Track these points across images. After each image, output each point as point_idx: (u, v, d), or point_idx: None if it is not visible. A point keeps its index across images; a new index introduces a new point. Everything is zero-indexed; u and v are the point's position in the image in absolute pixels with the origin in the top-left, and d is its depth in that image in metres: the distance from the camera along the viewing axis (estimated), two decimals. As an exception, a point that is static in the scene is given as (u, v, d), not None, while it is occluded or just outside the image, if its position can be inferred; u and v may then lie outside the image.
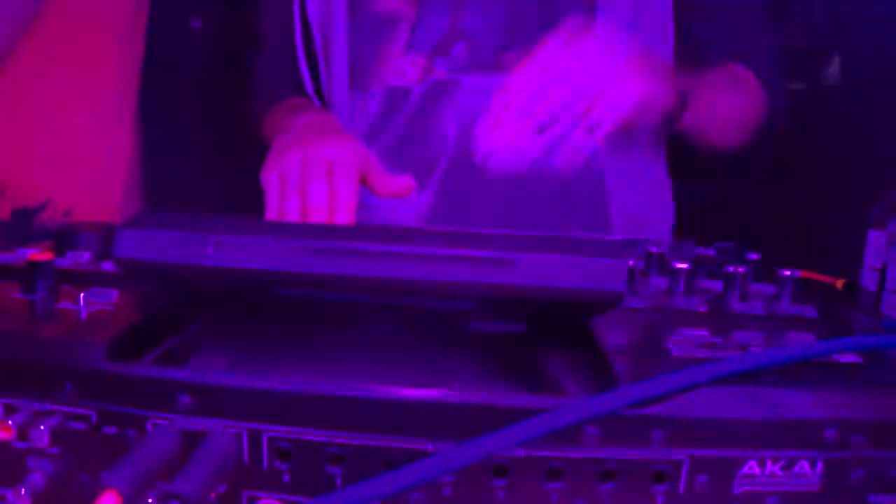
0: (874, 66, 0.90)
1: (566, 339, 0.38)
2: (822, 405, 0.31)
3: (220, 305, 0.40)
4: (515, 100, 0.56)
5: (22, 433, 0.31)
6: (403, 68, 0.75)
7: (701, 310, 0.40)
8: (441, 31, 0.74)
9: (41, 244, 0.46)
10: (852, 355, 0.35)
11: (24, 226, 0.52)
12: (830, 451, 0.31)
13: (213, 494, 0.30)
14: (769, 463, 0.31)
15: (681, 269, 0.42)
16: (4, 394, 0.31)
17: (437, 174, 0.74)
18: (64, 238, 0.46)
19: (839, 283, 0.49)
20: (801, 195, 0.92)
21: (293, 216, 0.57)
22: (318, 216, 0.57)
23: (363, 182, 0.60)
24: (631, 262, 0.43)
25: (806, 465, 0.31)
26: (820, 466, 0.31)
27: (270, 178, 0.60)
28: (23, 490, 0.31)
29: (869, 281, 0.46)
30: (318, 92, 0.79)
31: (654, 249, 0.47)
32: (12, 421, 0.31)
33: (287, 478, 0.31)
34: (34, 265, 0.38)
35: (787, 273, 0.42)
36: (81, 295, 0.37)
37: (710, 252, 0.53)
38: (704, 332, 0.36)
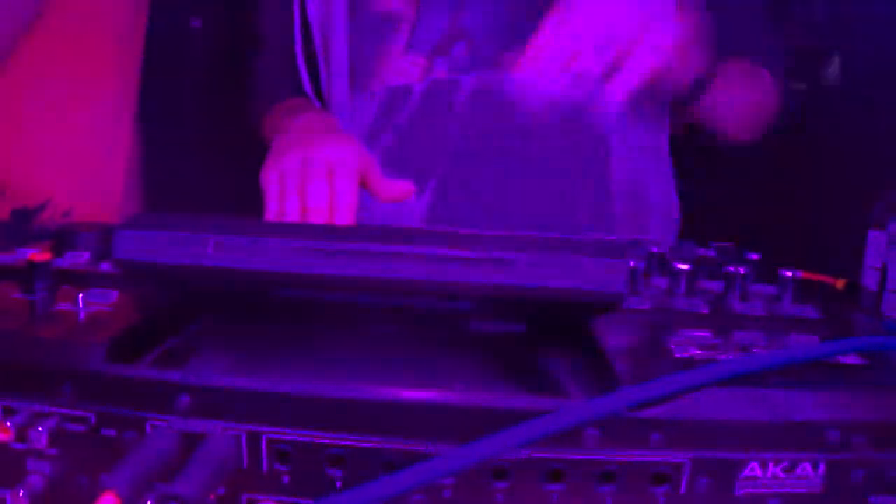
0: (874, 65, 0.90)
1: (567, 340, 0.38)
2: (823, 406, 0.31)
3: (219, 306, 0.40)
4: (550, 41, 0.56)
5: (20, 435, 0.31)
6: (404, 68, 0.75)
7: (702, 311, 0.40)
8: (441, 31, 0.74)
9: (40, 244, 0.46)
10: (854, 356, 0.35)
11: (23, 226, 0.52)
12: (832, 453, 0.31)
13: (212, 496, 0.30)
14: (771, 465, 0.30)
15: (682, 269, 0.42)
16: (3, 395, 0.31)
17: (438, 174, 0.74)
18: (63, 238, 0.46)
19: (839, 284, 0.49)
20: (801, 195, 0.92)
21: (293, 217, 0.57)
22: (317, 217, 0.56)
23: (363, 185, 0.60)
24: (632, 263, 0.43)
25: (808, 466, 0.31)
26: (822, 468, 0.31)
27: (270, 178, 0.60)
28: (21, 492, 0.31)
29: (870, 281, 0.46)
30: (318, 92, 0.79)
31: (654, 250, 0.47)
32: (11, 422, 0.31)
33: (287, 480, 0.30)
34: (33, 265, 0.38)
35: (789, 273, 0.42)
36: (80, 296, 0.37)
37: (710, 253, 0.52)
38: (706, 333, 0.36)
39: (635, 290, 0.42)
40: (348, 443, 0.30)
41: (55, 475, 0.31)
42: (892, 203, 0.46)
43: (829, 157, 0.89)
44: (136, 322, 0.35)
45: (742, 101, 0.72)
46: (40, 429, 0.31)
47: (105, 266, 0.42)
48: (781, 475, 0.31)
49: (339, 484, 0.30)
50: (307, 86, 0.78)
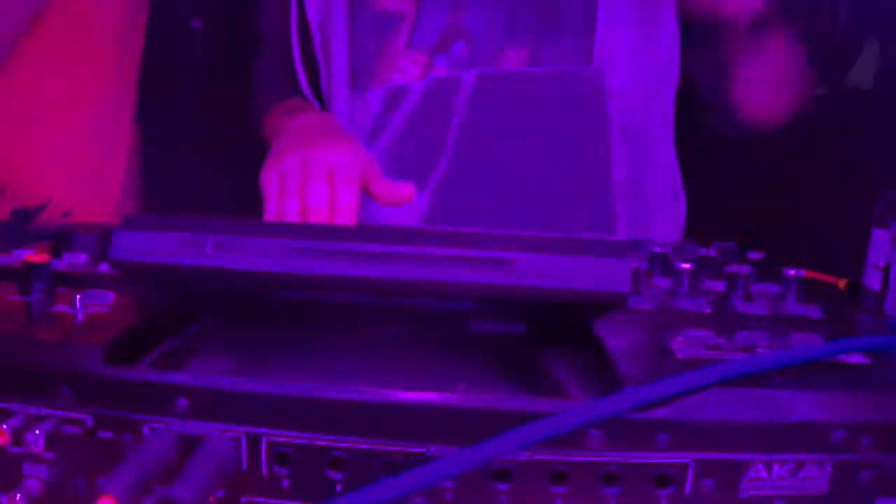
0: (876, 64, 0.90)
1: (569, 341, 0.37)
2: (829, 407, 0.31)
3: (217, 307, 0.40)
4: None
5: (17, 438, 0.30)
6: (403, 66, 0.74)
7: (705, 310, 0.40)
8: (441, 29, 0.73)
9: (39, 245, 0.46)
10: (858, 356, 0.34)
11: (22, 226, 0.51)
12: (838, 454, 0.30)
13: (210, 499, 0.30)
14: (776, 466, 0.30)
15: (684, 269, 0.42)
16: (-1, 398, 0.31)
17: (437, 173, 0.73)
18: (61, 239, 0.46)
19: (841, 283, 0.49)
20: (802, 194, 0.91)
21: (292, 217, 0.57)
22: (317, 218, 0.56)
23: (363, 187, 0.59)
24: (634, 263, 0.42)
25: (813, 467, 0.30)
26: (828, 469, 0.30)
27: (270, 179, 0.59)
28: (18, 496, 0.31)
29: (872, 280, 0.46)
30: (318, 92, 0.79)
31: (657, 250, 0.47)
32: (7, 425, 0.30)
33: (286, 483, 0.30)
34: (30, 267, 0.37)
35: (792, 273, 0.42)
36: (77, 297, 0.37)
37: (712, 252, 0.52)
38: (709, 333, 0.36)
39: (637, 290, 0.42)
40: (349, 445, 0.30)
41: (52, 478, 0.31)
42: (895, 202, 0.45)
43: (832, 155, 0.89)
44: (134, 323, 0.34)
45: (779, 72, 0.70)
46: (37, 431, 0.30)
47: (103, 267, 0.42)
48: (786, 476, 0.30)
49: (339, 487, 0.30)
50: (304, 85, 0.78)
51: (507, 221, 0.72)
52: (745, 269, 0.42)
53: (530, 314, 0.39)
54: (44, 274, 0.38)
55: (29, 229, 0.50)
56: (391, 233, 0.33)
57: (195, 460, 0.28)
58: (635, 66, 0.72)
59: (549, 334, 0.39)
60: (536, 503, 0.30)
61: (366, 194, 0.61)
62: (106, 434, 0.30)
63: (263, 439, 0.30)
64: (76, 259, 0.43)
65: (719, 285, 0.44)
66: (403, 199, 0.61)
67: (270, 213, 0.58)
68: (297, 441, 0.30)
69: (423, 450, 0.29)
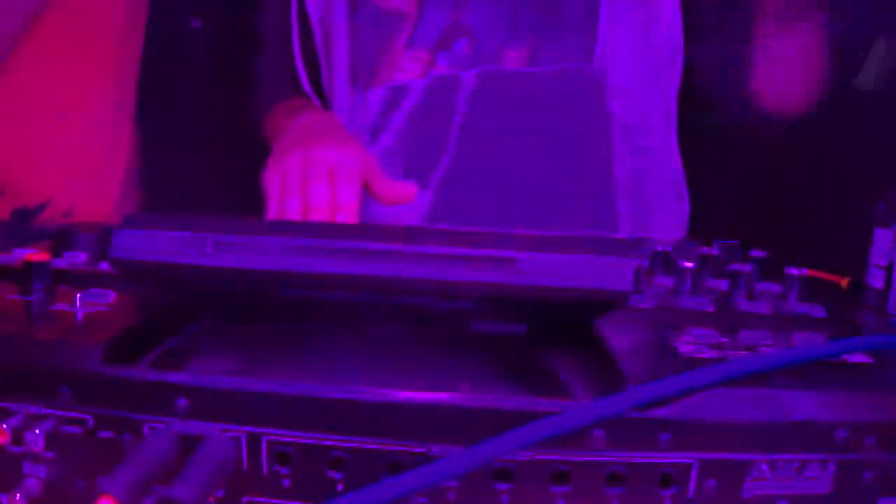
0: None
1: (571, 340, 0.37)
2: (832, 407, 0.30)
3: (218, 307, 0.40)
4: None
5: (17, 437, 0.30)
6: (405, 65, 0.74)
7: (708, 309, 0.40)
8: (443, 27, 0.73)
9: (39, 244, 0.46)
10: (862, 355, 0.34)
11: (23, 226, 0.51)
12: (841, 454, 0.30)
13: (211, 499, 0.30)
14: (779, 466, 0.30)
15: (687, 268, 0.42)
16: (-1, 397, 0.31)
17: (439, 172, 0.73)
18: (62, 239, 0.46)
19: (844, 282, 0.49)
20: (805, 192, 0.91)
21: (294, 217, 0.57)
22: (319, 217, 0.56)
23: (365, 187, 0.59)
24: (636, 261, 0.42)
25: (817, 467, 0.30)
26: (831, 469, 0.30)
27: (271, 178, 0.59)
28: (18, 495, 0.30)
29: (875, 279, 0.46)
30: (319, 91, 0.79)
31: (659, 248, 0.47)
32: (7, 425, 0.30)
33: (287, 483, 0.30)
34: (30, 266, 0.37)
35: (795, 272, 0.42)
36: (78, 296, 0.37)
37: (715, 251, 0.52)
38: (712, 332, 0.36)
39: (639, 289, 0.42)
40: (350, 445, 0.30)
41: (52, 478, 0.31)
42: (899, 201, 0.45)
43: (834, 154, 0.89)
44: (135, 323, 0.34)
45: (800, 61, 0.69)
46: (37, 431, 0.30)
47: (103, 266, 0.42)
48: (790, 476, 0.30)
49: (340, 487, 0.30)
50: (306, 85, 0.77)
51: (509, 220, 0.72)
52: (747, 267, 0.42)
53: (532, 313, 0.39)
54: (44, 273, 0.37)
55: (29, 229, 0.50)
56: (393, 232, 0.33)
57: (195, 460, 0.28)
58: (637, 63, 0.72)
59: (550, 333, 0.39)
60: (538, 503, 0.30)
61: (367, 194, 0.60)
62: (106, 434, 0.30)
63: (264, 439, 0.30)
64: (77, 258, 0.43)
65: (722, 284, 0.43)
66: (405, 199, 0.61)
67: (272, 213, 0.58)
68: (298, 441, 0.30)
69: (424, 449, 0.29)
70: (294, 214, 0.57)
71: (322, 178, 0.57)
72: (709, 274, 0.45)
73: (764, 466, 0.30)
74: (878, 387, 0.32)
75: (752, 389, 0.30)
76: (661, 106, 0.74)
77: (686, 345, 0.34)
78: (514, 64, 0.72)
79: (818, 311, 0.40)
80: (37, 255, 0.38)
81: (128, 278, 0.38)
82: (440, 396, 0.30)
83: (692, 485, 0.30)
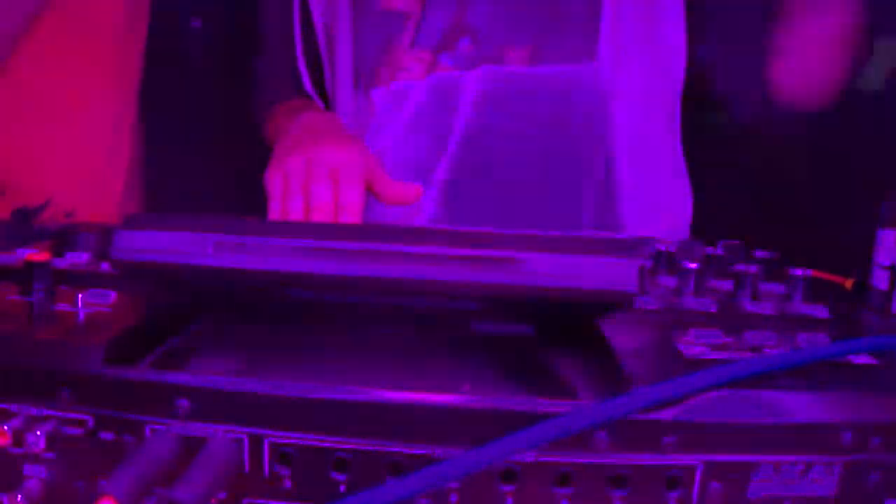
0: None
1: (575, 341, 0.37)
2: (837, 408, 0.30)
3: (219, 307, 0.39)
4: None
5: (17, 438, 0.30)
6: (408, 65, 0.74)
7: (711, 310, 0.40)
8: (446, 26, 0.73)
9: (41, 244, 0.46)
10: (866, 356, 0.34)
11: (24, 226, 0.51)
12: (847, 455, 0.30)
13: (213, 501, 0.30)
14: (784, 468, 0.30)
15: (691, 268, 0.42)
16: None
17: (442, 172, 0.73)
18: (63, 238, 0.45)
19: (848, 283, 0.48)
20: (808, 193, 0.91)
21: (297, 218, 0.57)
22: (321, 218, 0.56)
23: (368, 188, 0.59)
24: (641, 262, 0.42)
25: (822, 469, 0.30)
26: (836, 470, 0.30)
27: (274, 179, 0.59)
28: (19, 497, 0.30)
29: (879, 280, 0.45)
30: (322, 91, 0.79)
31: (663, 248, 0.47)
32: (7, 426, 0.30)
33: (289, 484, 0.30)
34: (31, 266, 0.37)
35: (799, 272, 0.42)
36: (79, 296, 0.36)
37: (718, 251, 0.52)
38: (716, 333, 0.36)
39: (643, 290, 0.42)
40: (353, 446, 0.29)
41: (53, 480, 0.31)
42: (903, 202, 0.45)
43: (838, 154, 0.88)
44: (136, 323, 0.34)
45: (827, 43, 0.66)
46: (38, 432, 0.30)
47: (105, 266, 0.42)
48: (795, 478, 0.30)
49: (343, 488, 0.30)
50: (308, 85, 0.77)
51: (512, 220, 0.72)
52: (752, 268, 0.42)
53: (536, 314, 0.39)
54: (45, 273, 0.37)
55: (30, 228, 0.50)
56: (396, 232, 0.33)
57: (197, 462, 0.28)
58: (640, 63, 0.72)
59: (554, 334, 0.39)
60: (542, 505, 0.29)
61: (370, 194, 0.60)
62: (107, 435, 0.30)
63: (266, 440, 0.30)
64: (78, 258, 0.43)
65: (726, 284, 0.43)
66: (408, 199, 0.61)
67: (274, 214, 0.58)
68: (300, 442, 0.30)
69: (428, 451, 0.29)
70: (296, 215, 0.57)
71: (324, 178, 0.57)
72: (712, 274, 0.45)
73: (769, 468, 0.30)
74: (883, 388, 0.31)
75: (756, 391, 0.30)
76: (664, 106, 0.74)
77: (690, 346, 0.34)
78: (516, 64, 0.72)
79: (822, 312, 0.40)
80: (38, 255, 0.38)
81: (129, 279, 0.38)
82: (444, 398, 0.29)
83: (696, 487, 0.30)
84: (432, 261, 0.32)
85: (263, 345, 0.37)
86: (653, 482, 0.29)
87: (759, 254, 0.49)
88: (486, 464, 0.27)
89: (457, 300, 0.36)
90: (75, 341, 0.32)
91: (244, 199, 0.64)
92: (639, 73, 0.72)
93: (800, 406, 0.30)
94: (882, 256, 0.45)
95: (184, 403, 0.30)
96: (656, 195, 0.74)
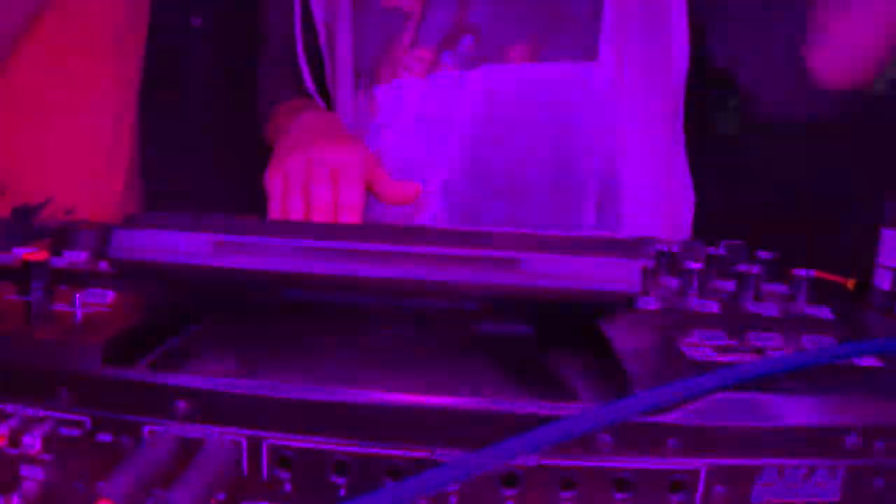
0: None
1: (576, 342, 0.37)
2: (841, 411, 0.30)
3: (219, 307, 0.39)
4: None
5: (14, 439, 0.30)
6: (409, 64, 0.74)
7: (714, 311, 0.39)
8: (448, 25, 0.73)
9: (39, 243, 0.45)
10: (871, 359, 0.34)
11: (24, 225, 0.51)
12: (851, 459, 0.30)
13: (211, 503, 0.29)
14: (788, 471, 0.30)
15: (693, 269, 0.41)
16: (-4, 399, 0.31)
17: (443, 171, 0.73)
18: (62, 237, 0.45)
19: (850, 283, 0.48)
20: (810, 193, 0.91)
21: (297, 218, 0.56)
22: (322, 218, 0.56)
23: (368, 187, 0.59)
24: (643, 262, 0.42)
25: (826, 473, 0.30)
26: (841, 475, 0.30)
27: (274, 179, 0.59)
28: (15, 499, 0.30)
29: (882, 281, 0.45)
30: (323, 90, 0.79)
31: (665, 248, 0.46)
32: (4, 427, 0.30)
33: (288, 487, 0.30)
34: (29, 265, 0.37)
35: (803, 273, 0.41)
36: (77, 296, 0.36)
37: (721, 251, 0.52)
38: (719, 334, 0.35)
39: (645, 290, 0.42)
40: (353, 449, 0.29)
41: (50, 482, 0.30)
42: (906, 202, 0.45)
43: (840, 154, 0.88)
44: (134, 323, 0.34)
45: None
46: (34, 433, 0.30)
47: (103, 266, 0.41)
48: (799, 482, 0.30)
49: (342, 492, 0.29)
50: (309, 84, 0.77)
51: (513, 219, 0.72)
52: (755, 268, 0.42)
53: (537, 314, 0.38)
54: (43, 272, 0.37)
55: (30, 227, 0.50)
56: (396, 232, 0.33)
57: (195, 464, 0.28)
58: (642, 61, 0.71)
59: (555, 335, 0.38)
60: (544, 509, 0.29)
61: (371, 194, 0.60)
62: (105, 436, 0.30)
63: (265, 443, 0.29)
64: (77, 257, 0.43)
65: (728, 285, 0.43)
66: (409, 199, 0.61)
67: (275, 214, 0.58)
68: (300, 445, 0.29)
69: (428, 454, 0.29)
70: (296, 215, 0.57)
71: (324, 178, 0.57)
72: (714, 275, 0.44)
73: (773, 472, 0.29)
74: (889, 391, 0.31)
75: (759, 394, 0.30)
76: (666, 105, 0.73)
77: (693, 347, 0.34)
78: (517, 62, 0.72)
79: (826, 313, 0.40)
80: (35, 254, 0.38)
81: (128, 278, 0.37)
82: (444, 400, 0.29)
83: (700, 490, 0.29)
84: (433, 261, 0.31)
85: (263, 346, 0.37)
86: (656, 486, 0.29)
87: (762, 254, 0.48)
88: (487, 467, 0.26)
89: (457, 301, 0.36)
90: (73, 341, 0.31)
91: (244, 199, 0.64)
92: (640, 72, 0.71)
93: (803, 409, 0.30)
94: (885, 257, 0.45)
95: (182, 405, 0.29)
96: (658, 194, 0.74)
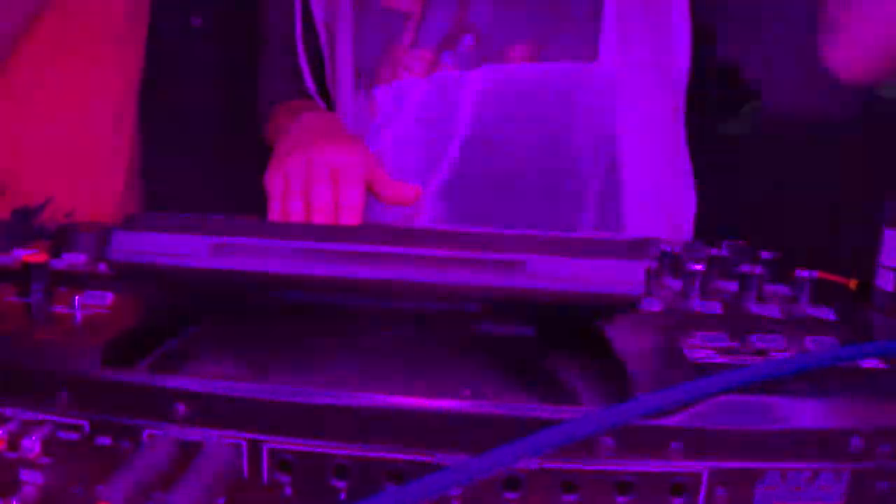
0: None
1: (579, 344, 0.37)
2: (845, 414, 0.30)
3: (218, 309, 0.39)
4: None
5: (12, 443, 0.30)
6: (409, 63, 0.74)
7: (717, 312, 0.39)
8: (448, 25, 0.73)
9: (39, 245, 0.45)
10: (875, 361, 0.33)
11: (23, 226, 0.51)
12: (854, 462, 0.30)
13: (211, 507, 0.29)
14: (791, 475, 0.29)
15: (696, 270, 0.41)
16: (-5, 402, 0.30)
17: (444, 172, 0.73)
18: (61, 239, 0.45)
19: (852, 284, 0.48)
20: (812, 193, 0.91)
21: (297, 219, 0.56)
22: (322, 219, 0.56)
23: (368, 188, 0.59)
24: (646, 264, 0.42)
25: (829, 476, 0.30)
26: (844, 478, 0.30)
27: (274, 180, 0.59)
28: (14, 502, 0.30)
29: (884, 281, 0.45)
30: (324, 91, 0.78)
31: (667, 249, 0.46)
32: (3, 430, 0.30)
33: (289, 491, 0.29)
34: (29, 267, 0.37)
35: (805, 274, 0.41)
36: (76, 298, 0.36)
37: (723, 252, 0.51)
38: (722, 335, 0.35)
39: (648, 292, 0.41)
40: (353, 452, 0.29)
41: (48, 485, 0.30)
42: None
43: (842, 154, 0.88)
44: (134, 324, 0.34)
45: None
46: (33, 437, 0.30)
47: (103, 267, 0.41)
48: (802, 485, 0.29)
49: (343, 496, 0.29)
50: (309, 84, 0.77)
51: (514, 219, 0.72)
52: (757, 269, 0.42)
53: (539, 316, 0.38)
54: (43, 274, 0.37)
55: (30, 229, 0.49)
56: (396, 234, 0.33)
57: (195, 467, 0.28)
58: (643, 61, 0.71)
59: (557, 337, 0.38)
60: (546, 512, 0.29)
61: (371, 195, 0.60)
62: (104, 440, 0.30)
63: (265, 446, 0.29)
64: (76, 259, 0.43)
65: (731, 286, 0.43)
66: (409, 199, 0.60)
67: (275, 215, 0.58)
68: (300, 448, 0.29)
69: (429, 458, 0.29)
70: (297, 216, 0.56)
71: (324, 179, 0.57)
72: (717, 276, 0.44)
73: (775, 475, 0.29)
74: (892, 393, 0.31)
75: (762, 397, 0.29)
76: (668, 104, 0.73)
77: (695, 349, 0.34)
78: (518, 62, 0.71)
79: (829, 314, 0.39)
80: (35, 256, 0.38)
81: (127, 280, 0.37)
82: (446, 403, 0.29)
83: (702, 494, 0.29)
84: (434, 263, 0.31)
85: (262, 348, 0.37)
86: (658, 489, 0.29)
87: (764, 254, 0.48)
88: (489, 471, 0.26)
89: (459, 303, 0.36)
90: (73, 343, 0.31)
91: (244, 200, 0.63)
92: (641, 71, 0.71)
93: (806, 412, 0.30)
94: (887, 257, 0.45)
95: (181, 408, 0.29)
96: (659, 194, 0.74)
